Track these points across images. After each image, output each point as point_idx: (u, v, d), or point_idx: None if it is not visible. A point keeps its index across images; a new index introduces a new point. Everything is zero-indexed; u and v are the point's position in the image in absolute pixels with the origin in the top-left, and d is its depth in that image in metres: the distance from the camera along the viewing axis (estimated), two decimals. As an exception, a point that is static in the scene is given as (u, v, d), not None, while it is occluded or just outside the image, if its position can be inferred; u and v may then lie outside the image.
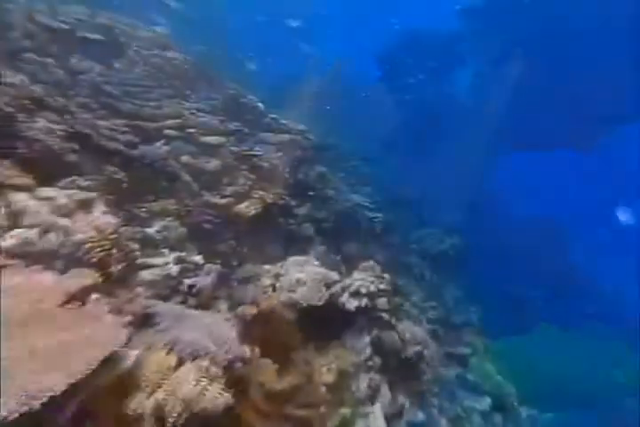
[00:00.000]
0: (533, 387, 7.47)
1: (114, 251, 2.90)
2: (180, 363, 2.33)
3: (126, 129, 6.02)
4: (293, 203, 7.90)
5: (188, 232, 5.55)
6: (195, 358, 2.39)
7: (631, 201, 22.83)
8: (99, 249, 2.86)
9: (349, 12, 31.65)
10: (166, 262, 4.51)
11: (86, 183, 3.93)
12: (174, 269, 4.43)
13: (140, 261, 3.86)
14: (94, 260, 2.97)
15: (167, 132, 6.58)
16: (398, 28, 22.50)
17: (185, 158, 6.36)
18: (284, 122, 10.92)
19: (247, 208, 6.70)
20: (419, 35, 19.59)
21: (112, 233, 2.87)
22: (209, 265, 5.40)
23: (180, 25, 13.69)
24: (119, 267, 2.91)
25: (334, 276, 4.26)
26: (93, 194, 3.63)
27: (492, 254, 13.83)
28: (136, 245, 4.05)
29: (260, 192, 7.09)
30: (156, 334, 2.56)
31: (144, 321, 2.68)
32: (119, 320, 2.22)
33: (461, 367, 7.47)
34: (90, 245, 3.01)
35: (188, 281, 4.54)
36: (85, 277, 2.64)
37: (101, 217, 3.14)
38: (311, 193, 10.14)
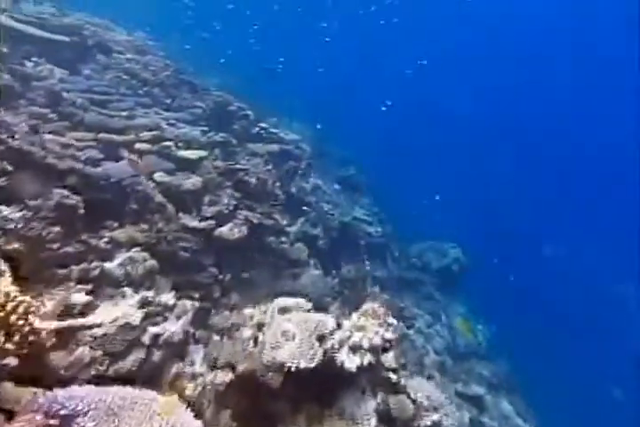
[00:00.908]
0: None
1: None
2: None
3: (89, 143, 5.24)
4: (284, 222, 7.11)
5: (160, 263, 4.75)
6: None
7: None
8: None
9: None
10: (126, 307, 3.72)
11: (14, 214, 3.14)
12: (136, 316, 3.63)
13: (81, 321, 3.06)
14: None
15: (139, 146, 5.80)
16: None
17: (159, 176, 5.58)
18: (275, 131, 10.18)
19: (231, 231, 5.93)
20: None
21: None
22: (184, 303, 4.62)
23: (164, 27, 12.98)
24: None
25: (329, 322, 3.47)
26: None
27: (496, 269, 13.18)
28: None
29: (246, 212, 6.31)
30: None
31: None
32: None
33: (476, 409, 6.67)
34: None
35: (152, 329, 3.74)
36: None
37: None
38: (305, 208, 9.39)
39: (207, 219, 5.83)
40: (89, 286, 3.56)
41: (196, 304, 4.80)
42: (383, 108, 19.53)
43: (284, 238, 6.84)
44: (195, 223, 5.58)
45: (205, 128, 7.74)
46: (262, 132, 9.90)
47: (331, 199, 10.40)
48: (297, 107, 17.95)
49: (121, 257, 4.36)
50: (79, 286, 3.52)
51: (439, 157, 24.37)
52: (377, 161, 20.24)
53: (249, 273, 6.23)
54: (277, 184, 7.78)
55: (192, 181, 5.82)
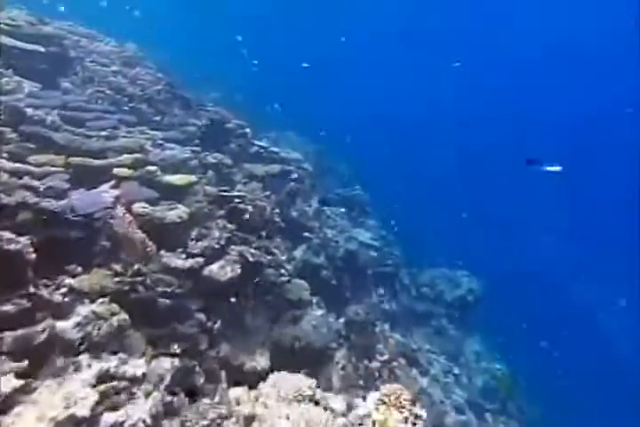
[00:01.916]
0: None
1: None
2: None
3: (55, 169, 4.46)
4: (284, 257, 6.28)
5: (134, 314, 3.92)
6: None
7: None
8: None
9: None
10: (76, 387, 2.87)
11: None
12: (87, 401, 2.78)
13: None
14: None
15: (117, 171, 5.02)
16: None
17: (139, 206, 4.78)
18: (275, 150, 9.45)
19: (222, 269, 5.10)
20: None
21: None
22: (160, 364, 3.78)
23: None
24: None
25: (339, 409, 2.61)
26: None
27: (513, 298, 12.32)
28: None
29: (240, 247, 5.49)
30: None
31: None
32: None
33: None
34: None
35: (109, 418, 2.88)
36: None
37: None
38: (307, 234, 8.59)
39: (194, 256, 5.01)
40: (24, 363, 2.71)
41: (176, 363, 3.97)
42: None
43: (282, 275, 5.98)
44: (179, 262, 4.75)
45: (198, 148, 6.99)
46: (262, 151, 9.18)
47: (335, 224, 9.59)
48: (299, 120, 17.45)
49: (81, 313, 3.52)
50: (11, 364, 2.68)
51: (447, 174, 23.73)
52: (380, 176, 19.58)
53: (242, 318, 5.37)
54: (276, 211, 6.98)
55: (177, 213, 5.01)
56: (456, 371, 8.00)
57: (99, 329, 3.48)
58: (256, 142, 9.10)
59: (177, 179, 5.47)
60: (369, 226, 11.95)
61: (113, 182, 4.96)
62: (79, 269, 3.87)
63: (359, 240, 9.97)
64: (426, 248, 14.94)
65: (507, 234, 20.62)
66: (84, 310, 3.57)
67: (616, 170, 25.65)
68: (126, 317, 3.76)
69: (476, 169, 25.04)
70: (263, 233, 6.49)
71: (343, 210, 10.60)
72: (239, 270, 5.18)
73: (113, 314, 3.70)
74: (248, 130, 9.02)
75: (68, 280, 3.70)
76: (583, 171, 22.16)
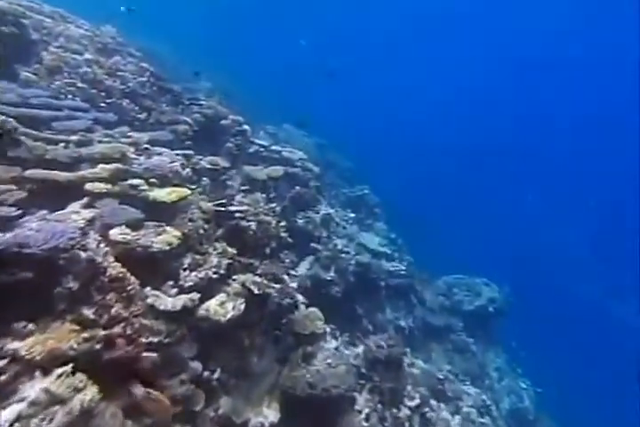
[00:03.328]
0: None
1: None
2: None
3: (6, 187, 3.47)
4: (294, 283, 5.33)
5: (106, 380, 2.98)
6: None
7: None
8: None
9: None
10: None
11: None
12: None
13: None
14: None
15: (91, 186, 4.02)
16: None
17: (117, 232, 3.80)
18: (277, 149, 8.44)
19: (222, 306, 4.15)
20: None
21: None
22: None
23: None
24: None
25: None
26: None
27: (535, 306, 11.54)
28: None
29: (243, 276, 4.54)
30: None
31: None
32: None
33: None
34: None
35: None
36: None
37: None
38: (315, 245, 7.65)
39: (188, 291, 4.05)
40: None
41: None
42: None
43: (293, 306, 5.05)
44: (168, 303, 3.79)
45: (190, 151, 5.98)
46: (262, 150, 8.17)
47: (345, 232, 8.64)
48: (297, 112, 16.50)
49: (28, 395, 2.57)
50: None
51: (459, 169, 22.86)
52: (387, 173, 18.74)
53: (246, 361, 4.44)
54: (282, 224, 6.02)
55: (166, 238, 4.03)
56: (486, 401, 7.18)
57: (51, 420, 2.53)
58: (256, 141, 8.09)
59: (166, 194, 4.47)
60: (378, 229, 11.05)
61: (85, 201, 3.98)
62: (31, 326, 2.90)
63: (369, 248, 9.07)
64: (438, 250, 14.15)
65: (528, 235, 19.82)
66: (33, 389, 2.61)
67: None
68: (96, 392, 2.81)
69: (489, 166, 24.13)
70: (267, 250, 5.56)
71: (353, 215, 9.66)
72: (242, 307, 4.23)
73: (77, 390, 2.75)
74: (247, 127, 8.01)
75: (13, 344, 2.74)
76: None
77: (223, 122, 7.49)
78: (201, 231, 4.55)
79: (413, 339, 8.23)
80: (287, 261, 6.75)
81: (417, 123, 25.80)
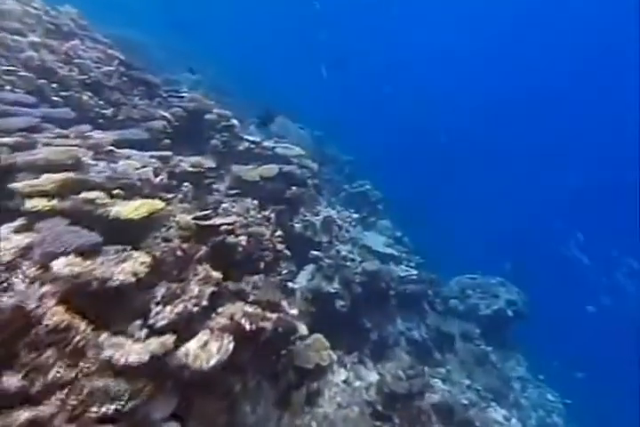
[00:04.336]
0: None
1: None
2: None
3: None
4: (294, 310, 4.50)
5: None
6: None
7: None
8: None
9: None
10: None
11: None
12: None
13: None
14: None
15: (31, 203, 3.17)
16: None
17: (63, 264, 2.94)
18: (270, 145, 7.56)
19: (204, 351, 3.32)
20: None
21: None
22: None
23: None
24: None
25: None
26: None
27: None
28: None
29: (232, 307, 3.71)
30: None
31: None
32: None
33: None
34: None
35: None
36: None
37: None
38: (316, 252, 6.84)
39: (161, 332, 3.22)
40: None
41: None
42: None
43: (296, 339, 4.24)
44: (133, 353, 2.96)
45: (168, 152, 5.10)
46: (253, 146, 7.29)
47: (348, 236, 7.81)
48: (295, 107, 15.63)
49: None
50: None
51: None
52: (386, 164, 17.91)
53: (237, 414, 3.63)
54: (278, 234, 5.17)
55: (131, 266, 3.18)
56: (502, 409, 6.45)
57: None
58: (246, 137, 7.20)
59: (133, 208, 3.60)
60: (382, 227, 10.24)
61: (19, 223, 3.13)
62: None
63: (375, 251, 8.27)
64: (444, 241, 13.40)
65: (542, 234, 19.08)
66: None
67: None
68: None
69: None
70: (261, 265, 4.74)
71: (356, 215, 8.82)
72: (230, 347, 3.40)
73: None
74: (235, 121, 7.12)
75: None
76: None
77: (208, 116, 6.61)
78: (178, 253, 3.70)
79: (428, 352, 7.46)
80: (284, 272, 5.94)
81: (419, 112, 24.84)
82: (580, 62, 24.34)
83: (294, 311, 4.32)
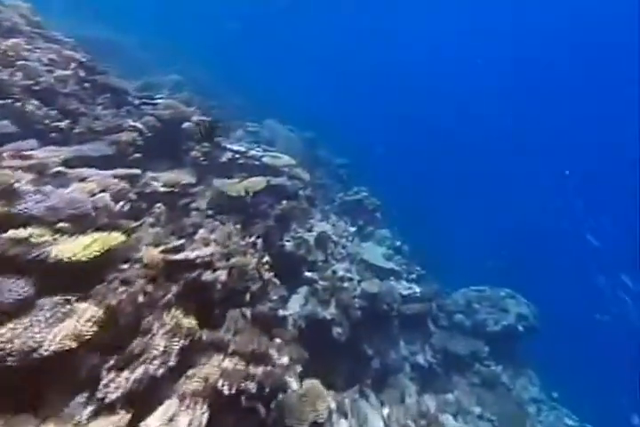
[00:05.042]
0: None
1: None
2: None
3: None
4: (285, 358, 3.82)
5: None
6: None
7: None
8: None
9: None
10: None
11: None
12: None
13: None
14: None
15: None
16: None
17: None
18: (255, 154, 6.89)
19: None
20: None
21: None
22: None
23: None
24: None
25: None
26: None
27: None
28: None
29: (207, 366, 3.04)
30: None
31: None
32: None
33: None
34: None
35: None
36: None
37: None
38: (309, 274, 6.18)
39: (112, 408, 2.53)
40: None
41: None
42: None
43: (289, 391, 3.57)
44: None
45: (136, 170, 4.41)
46: (237, 157, 6.61)
47: (345, 252, 7.15)
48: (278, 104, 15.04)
49: None
50: None
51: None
52: (383, 165, 17.32)
53: None
54: (266, 261, 4.51)
55: (72, 326, 2.50)
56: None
57: None
58: (229, 146, 6.51)
59: (81, 246, 2.91)
60: (380, 237, 9.58)
61: None
62: None
63: (375, 265, 7.62)
64: (445, 246, 12.81)
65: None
66: None
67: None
68: None
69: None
70: (246, 298, 4.08)
71: (353, 229, 8.16)
72: (204, 420, 2.73)
73: None
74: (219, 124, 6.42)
75: None
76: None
77: (185, 125, 5.91)
78: (140, 299, 3.02)
79: (435, 377, 6.84)
80: (274, 298, 5.27)
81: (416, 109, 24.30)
82: (580, 62, 23.83)
83: (284, 360, 3.64)
